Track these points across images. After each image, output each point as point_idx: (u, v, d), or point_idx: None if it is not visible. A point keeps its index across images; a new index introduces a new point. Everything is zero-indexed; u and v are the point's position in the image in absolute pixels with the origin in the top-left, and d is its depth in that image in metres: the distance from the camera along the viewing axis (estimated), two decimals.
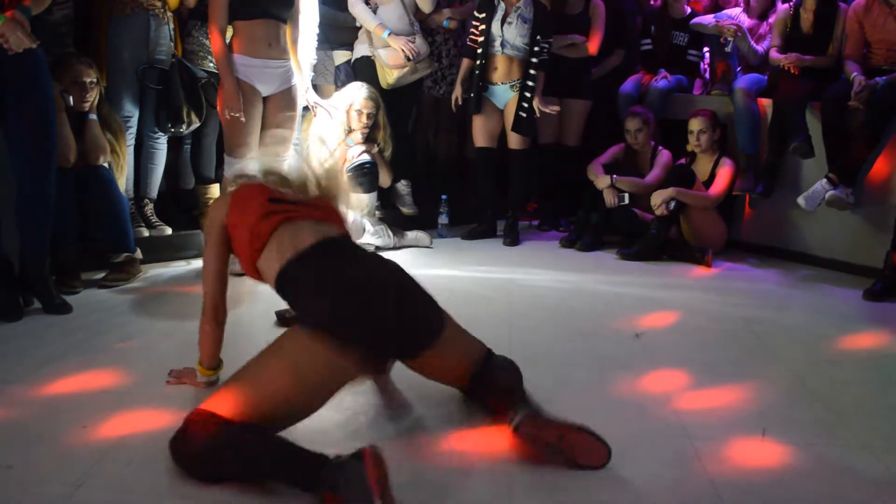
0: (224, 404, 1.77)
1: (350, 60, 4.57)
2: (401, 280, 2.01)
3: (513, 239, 4.54)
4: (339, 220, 2.19)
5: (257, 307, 3.01)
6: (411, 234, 4.32)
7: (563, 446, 1.84)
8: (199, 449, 1.72)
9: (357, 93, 4.08)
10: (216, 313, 2.19)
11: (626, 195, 4.32)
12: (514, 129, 4.42)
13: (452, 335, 2.06)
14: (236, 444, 1.70)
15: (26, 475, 1.80)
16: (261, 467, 1.70)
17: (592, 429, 1.86)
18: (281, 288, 2.02)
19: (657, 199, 4.14)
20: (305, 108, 3.96)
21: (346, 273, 1.94)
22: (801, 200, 3.97)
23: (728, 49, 4.59)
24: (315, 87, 4.07)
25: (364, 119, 4.07)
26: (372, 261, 2.07)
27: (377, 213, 4.35)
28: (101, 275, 3.41)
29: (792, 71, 4.17)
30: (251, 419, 1.75)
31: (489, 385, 2.07)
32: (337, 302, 1.88)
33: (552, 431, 1.85)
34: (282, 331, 2.57)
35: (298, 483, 1.66)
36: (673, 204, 4.12)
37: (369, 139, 4.14)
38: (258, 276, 2.10)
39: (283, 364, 1.82)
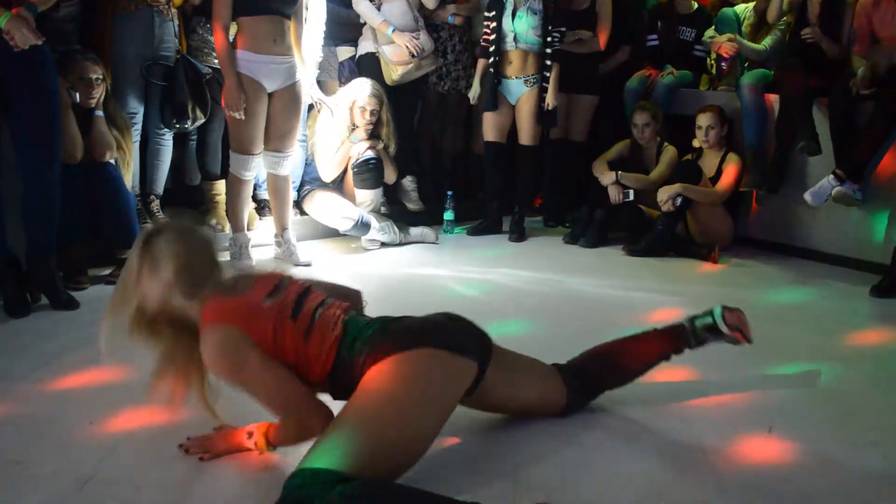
0: (336, 454, 1.54)
1: (354, 57, 4.56)
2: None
3: (519, 235, 4.53)
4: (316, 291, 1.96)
5: None
6: (417, 231, 4.32)
7: None
8: None
9: (361, 89, 4.08)
10: (310, 429, 1.74)
11: (631, 191, 4.31)
12: (538, 121, 4.41)
13: (505, 357, 2.00)
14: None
15: (35, 470, 1.81)
16: None
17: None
18: (335, 379, 1.81)
19: (664, 195, 4.13)
20: (311, 105, 3.97)
21: (407, 320, 1.87)
22: (807, 196, 3.95)
23: (724, 66, 4.64)
24: (319, 83, 4.07)
25: (368, 116, 4.07)
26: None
27: (382, 209, 4.36)
28: (108, 271, 3.42)
29: (808, 40, 4.15)
30: (374, 463, 1.56)
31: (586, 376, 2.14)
32: (441, 326, 1.84)
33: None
34: None
35: None
36: (680, 200, 4.11)
37: (373, 136, 4.15)
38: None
39: (397, 386, 1.67)
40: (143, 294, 1.82)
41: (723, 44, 4.59)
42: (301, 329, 1.79)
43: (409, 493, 1.55)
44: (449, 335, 1.80)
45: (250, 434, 1.86)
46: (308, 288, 1.92)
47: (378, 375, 1.70)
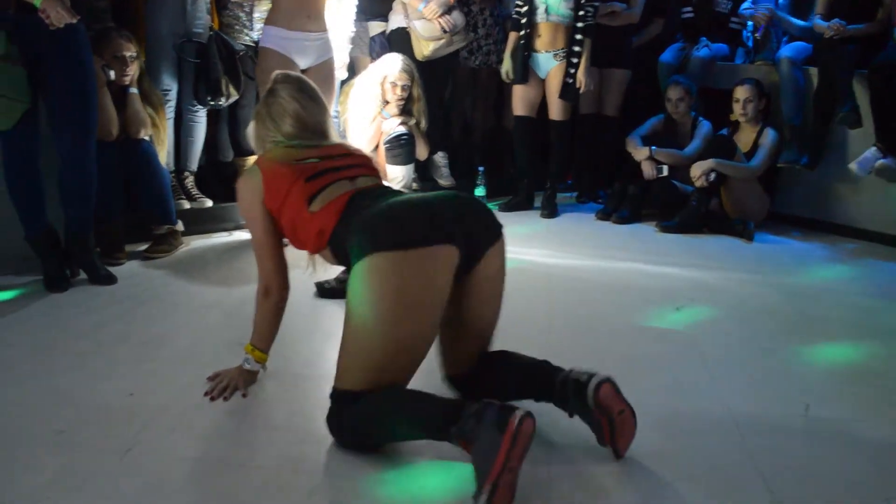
0: (348, 378, 1.78)
1: (385, 32, 4.54)
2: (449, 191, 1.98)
3: (551, 211, 4.51)
4: (369, 167, 2.13)
5: (295, 278, 3.03)
6: None
7: (617, 421, 1.77)
8: (348, 427, 1.78)
9: (392, 65, 4.05)
10: (268, 292, 2.07)
11: (665, 167, 4.26)
12: (560, 95, 4.36)
13: (503, 255, 1.99)
14: (375, 414, 1.74)
15: (77, 440, 1.85)
16: (400, 427, 1.73)
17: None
18: (334, 252, 1.95)
19: (697, 170, 4.07)
20: (343, 81, 3.96)
21: (395, 200, 1.87)
22: (852, 166, 3.88)
23: (758, 35, 4.58)
24: (350, 58, 4.05)
25: (399, 91, 4.04)
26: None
27: (414, 185, 4.35)
28: (144, 246, 3.47)
29: (835, 37, 4.03)
30: (384, 375, 1.75)
31: (511, 361, 1.97)
32: (401, 216, 1.79)
33: (619, 404, 1.77)
34: (321, 302, 2.60)
35: (435, 433, 1.66)
36: (713, 175, 4.05)
37: (405, 111, 4.13)
38: (304, 247, 2.03)
39: (383, 299, 1.72)
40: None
41: (757, 14, 4.50)
42: (308, 193, 1.94)
43: (397, 398, 1.74)
44: (430, 228, 1.76)
45: (246, 360, 2.13)
46: (355, 165, 2.06)
47: (354, 293, 1.77)
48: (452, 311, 1.91)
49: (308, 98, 2.14)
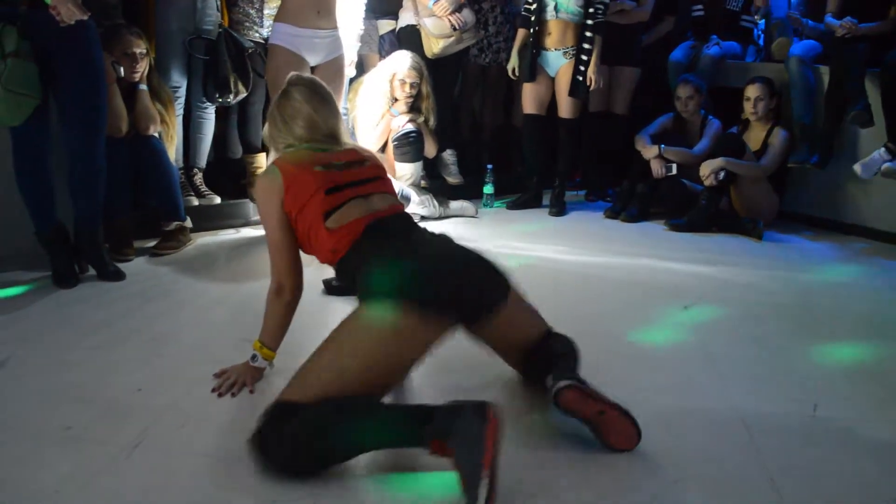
0: (300, 391, 1.72)
1: (395, 29, 4.54)
2: (460, 247, 1.97)
3: (559, 209, 4.50)
4: (383, 180, 2.16)
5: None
6: (456, 204, 4.31)
7: (599, 422, 1.78)
8: (289, 439, 1.64)
9: (401, 62, 4.06)
10: (280, 291, 2.06)
11: (674, 165, 4.24)
12: (570, 93, 4.35)
13: (519, 300, 2.03)
14: (329, 420, 1.64)
15: (85, 435, 1.86)
16: (363, 434, 1.64)
17: (629, 410, 1.80)
18: (340, 271, 2.01)
19: (706, 169, 4.06)
20: (352, 79, 3.96)
21: (406, 245, 1.91)
22: (857, 168, 3.86)
23: (757, 17, 4.63)
24: (360, 56, 4.05)
25: (408, 89, 4.05)
26: (427, 235, 2.03)
27: (422, 182, 4.35)
28: (153, 243, 3.48)
29: (846, 36, 4.01)
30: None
31: (546, 356, 2.00)
32: (402, 271, 1.82)
33: (593, 406, 1.78)
34: (327, 299, 2.61)
35: (406, 437, 1.62)
36: (723, 174, 4.03)
37: (414, 109, 4.13)
38: (315, 256, 2.08)
39: (358, 342, 1.76)
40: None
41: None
42: (326, 207, 1.96)
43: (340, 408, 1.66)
44: (435, 296, 1.78)
45: (253, 357, 2.13)
46: (369, 179, 2.09)
47: (342, 326, 1.82)
48: (490, 343, 2.03)
49: (321, 101, 2.15)
